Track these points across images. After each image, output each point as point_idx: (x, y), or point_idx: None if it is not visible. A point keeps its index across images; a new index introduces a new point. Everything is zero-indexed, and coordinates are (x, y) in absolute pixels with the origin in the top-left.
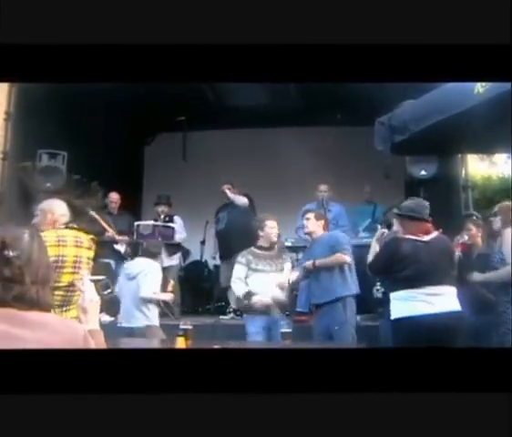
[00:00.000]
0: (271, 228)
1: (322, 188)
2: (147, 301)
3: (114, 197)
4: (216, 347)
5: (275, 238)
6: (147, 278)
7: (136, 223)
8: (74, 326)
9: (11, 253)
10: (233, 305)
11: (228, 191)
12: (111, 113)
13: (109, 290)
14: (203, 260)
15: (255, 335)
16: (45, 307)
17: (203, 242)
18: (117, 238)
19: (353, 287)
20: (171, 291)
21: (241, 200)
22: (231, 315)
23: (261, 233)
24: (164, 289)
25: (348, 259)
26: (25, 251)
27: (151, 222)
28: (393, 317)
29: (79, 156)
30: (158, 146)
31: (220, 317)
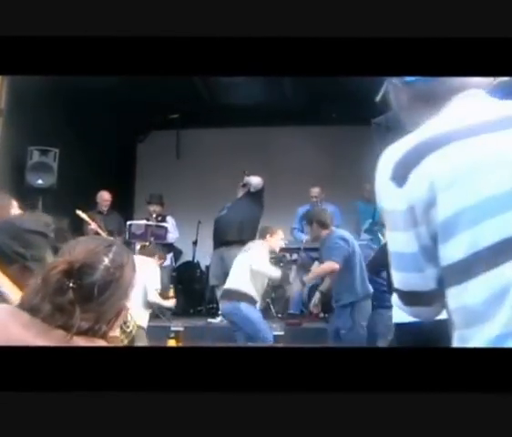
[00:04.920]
0: (280, 240)
1: (315, 191)
2: (147, 303)
3: (105, 196)
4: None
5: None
6: (150, 280)
7: (128, 222)
8: None
9: (70, 284)
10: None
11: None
12: (104, 110)
13: None
14: (195, 261)
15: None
16: (93, 336)
17: (195, 243)
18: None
19: (359, 290)
20: (173, 297)
21: (256, 179)
22: (221, 318)
23: (269, 237)
24: (165, 294)
25: (336, 266)
26: (90, 285)
27: (144, 222)
28: (394, 321)
29: (71, 153)
30: (151, 144)
31: (209, 320)
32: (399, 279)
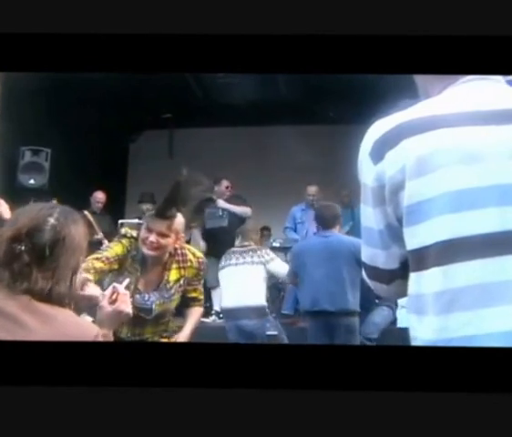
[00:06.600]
0: None
1: (312, 189)
2: None
3: (99, 195)
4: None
5: None
6: None
7: (120, 221)
8: (86, 327)
9: (22, 247)
10: (216, 307)
11: (222, 203)
12: (96, 109)
13: None
14: None
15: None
16: (59, 302)
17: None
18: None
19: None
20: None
21: (245, 211)
22: (214, 317)
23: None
24: None
25: None
26: (41, 245)
27: (136, 221)
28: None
29: (63, 153)
30: (144, 143)
31: (202, 319)
32: (365, 252)
